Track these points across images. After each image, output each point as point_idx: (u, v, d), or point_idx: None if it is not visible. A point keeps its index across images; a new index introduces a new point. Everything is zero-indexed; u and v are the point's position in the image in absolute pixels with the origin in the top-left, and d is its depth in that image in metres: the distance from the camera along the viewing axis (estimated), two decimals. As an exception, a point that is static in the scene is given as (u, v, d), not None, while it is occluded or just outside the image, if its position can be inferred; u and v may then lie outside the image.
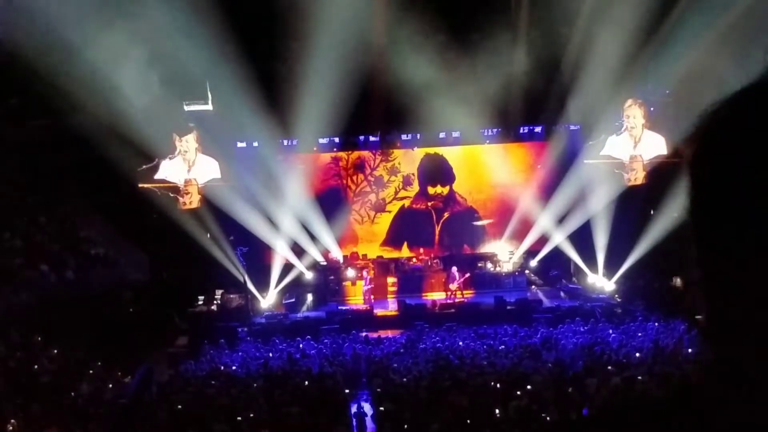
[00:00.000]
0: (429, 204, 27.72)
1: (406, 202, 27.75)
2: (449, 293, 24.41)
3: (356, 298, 24.99)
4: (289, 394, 15.52)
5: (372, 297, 24.50)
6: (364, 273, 25.36)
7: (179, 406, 15.19)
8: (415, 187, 27.66)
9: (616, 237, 25.05)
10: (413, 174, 27.62)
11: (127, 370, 19.21)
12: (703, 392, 1.14)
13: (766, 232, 1.00)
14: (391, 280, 25.69)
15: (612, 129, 25.65)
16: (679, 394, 1.22)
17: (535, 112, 25.98)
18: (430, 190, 27.60)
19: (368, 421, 14.78)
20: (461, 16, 24.70)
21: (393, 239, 27.74)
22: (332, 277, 25.80)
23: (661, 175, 24.37)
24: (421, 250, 27.04)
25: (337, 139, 26.56)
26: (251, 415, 14.37)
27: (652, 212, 24.84)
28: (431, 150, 27.36)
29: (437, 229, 27.74)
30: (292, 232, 25.51)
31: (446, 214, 27.76)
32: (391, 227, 27.76)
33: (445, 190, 27.68)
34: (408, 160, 27.52)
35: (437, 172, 27.55)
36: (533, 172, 27.23)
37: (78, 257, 22.75)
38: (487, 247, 27.30)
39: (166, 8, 21.44)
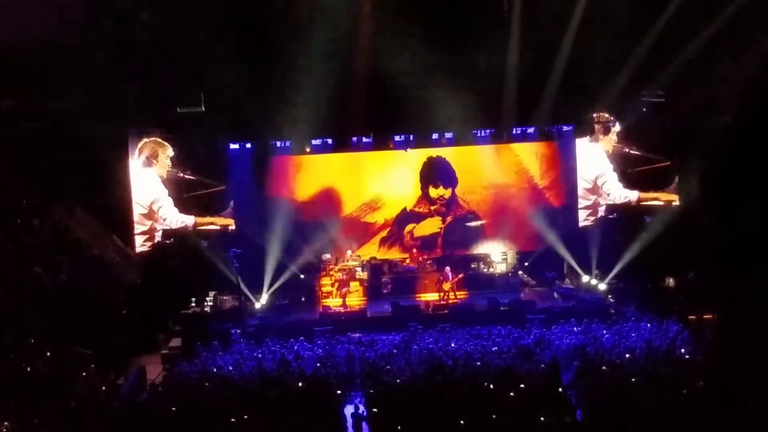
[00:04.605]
0: (432, 208, 27.53)
1: (408, 205, 27.64)
2: (442, 294, 24.41)
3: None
4: (282, 396, 15.52)
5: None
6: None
7: (173, 408, 15.19)
8: (417, 191, 27.53)
9: (609, 237, 25.17)
10: None
11: (121, 372, 19.19)
12: (701, 395, 1.16)
13: None
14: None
15: (600, 131, 26.03)
16: (673, 397, 1.24)
17: (528, 113, 26.04)
18: (432, 192, 27.41)
19: (361, 422, 14.80)
20: (454, 17, 24.74)
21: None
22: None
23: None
24: (414, 251, 27.00)
25: (330, 141, 26.55)
26: (245, 416, 14.38)
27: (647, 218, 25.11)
28: (433, 153, 27.25)
29: (441, 234, 27.61)
30: (285, 233, 25.51)
31: (449, 218, 27.63)
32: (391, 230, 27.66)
33: (447, 192, 27.50)
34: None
35: (439, 173, 27.34)
36: (526, 172, 27.25)
37: (71, 259, 22.70)
38: (481, 248, 27.30)
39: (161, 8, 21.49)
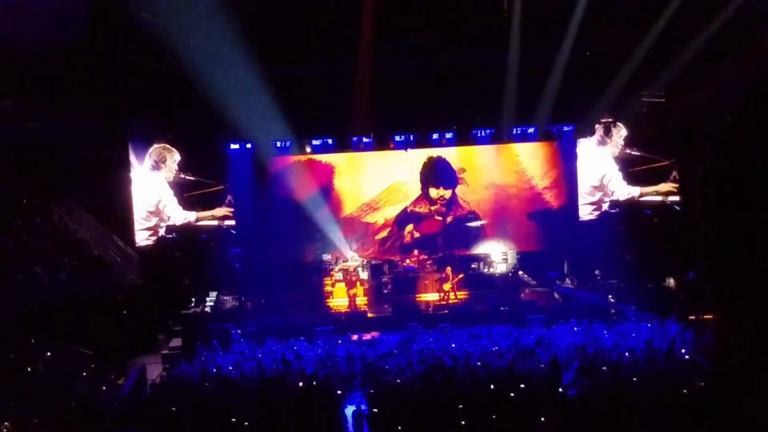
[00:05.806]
0: (432, 208, 27.43)
1: (409, 205, 27.52)
2: (443, 294, 24.41)
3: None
4: (282, 396, 15.53)
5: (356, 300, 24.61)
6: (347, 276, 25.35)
7: (173, 408, 15.19)
8: (417, 191, 27.49)
9: (610, 232, 25.23)
10: None
11: (121, 372, 19.20)
12: (701, 395, 1.16)
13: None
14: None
15: (602, 132, 26.16)
16: (673, 397, 1.24)
17: (528, 113, 26.01)
18: (432, 193, 27.32)
19: (363, 421, 14.80)
20: (454, 17, 24.72)
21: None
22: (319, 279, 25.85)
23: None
24: (415, 251, 26.95)
25: (330, 141, 26.50)
26: (245, 416, 14.38)
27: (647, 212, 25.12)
28: (433, 153, 27.17)
29: (441, 234, 27.51)
30: (285, 233, 25.51)
31: (450, 218, 27.53)
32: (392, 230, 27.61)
33: (447, 193, 27.39)
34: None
35: (439, 174, 27.28)
36: (526, 172, 27.21)
37: (72, 259, 22.71)
38: (481, 248, 27.26)
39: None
